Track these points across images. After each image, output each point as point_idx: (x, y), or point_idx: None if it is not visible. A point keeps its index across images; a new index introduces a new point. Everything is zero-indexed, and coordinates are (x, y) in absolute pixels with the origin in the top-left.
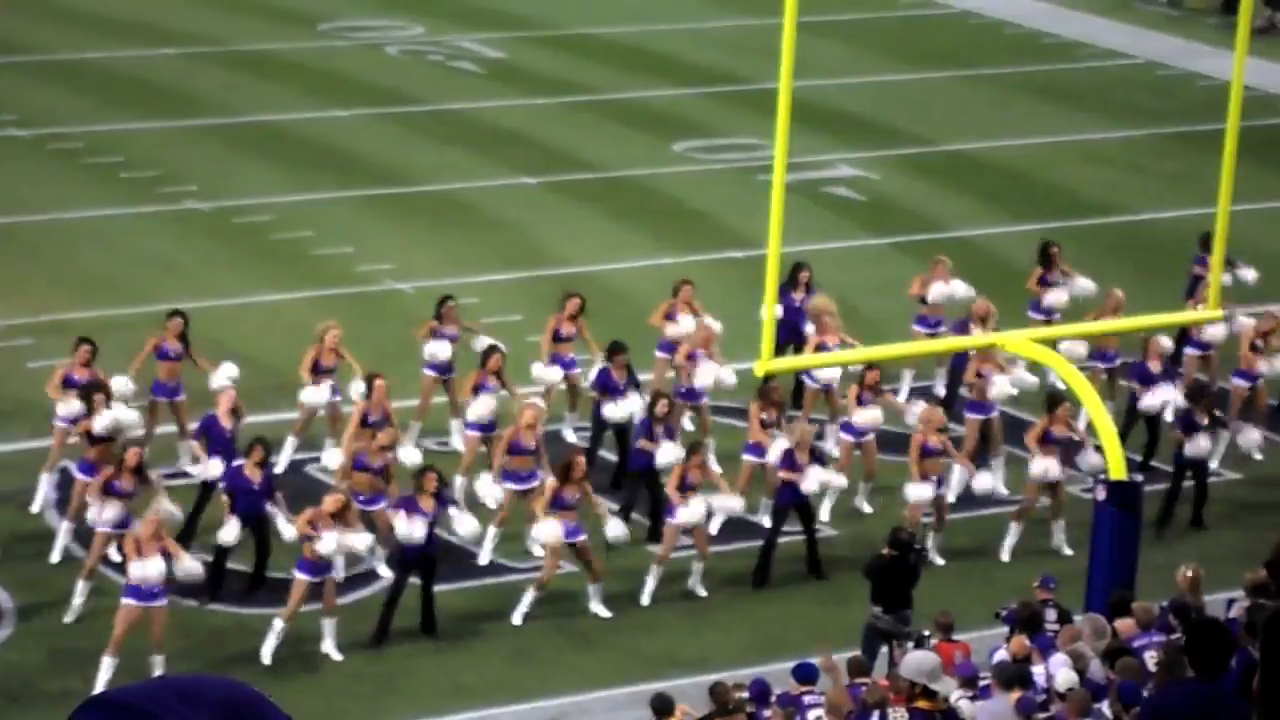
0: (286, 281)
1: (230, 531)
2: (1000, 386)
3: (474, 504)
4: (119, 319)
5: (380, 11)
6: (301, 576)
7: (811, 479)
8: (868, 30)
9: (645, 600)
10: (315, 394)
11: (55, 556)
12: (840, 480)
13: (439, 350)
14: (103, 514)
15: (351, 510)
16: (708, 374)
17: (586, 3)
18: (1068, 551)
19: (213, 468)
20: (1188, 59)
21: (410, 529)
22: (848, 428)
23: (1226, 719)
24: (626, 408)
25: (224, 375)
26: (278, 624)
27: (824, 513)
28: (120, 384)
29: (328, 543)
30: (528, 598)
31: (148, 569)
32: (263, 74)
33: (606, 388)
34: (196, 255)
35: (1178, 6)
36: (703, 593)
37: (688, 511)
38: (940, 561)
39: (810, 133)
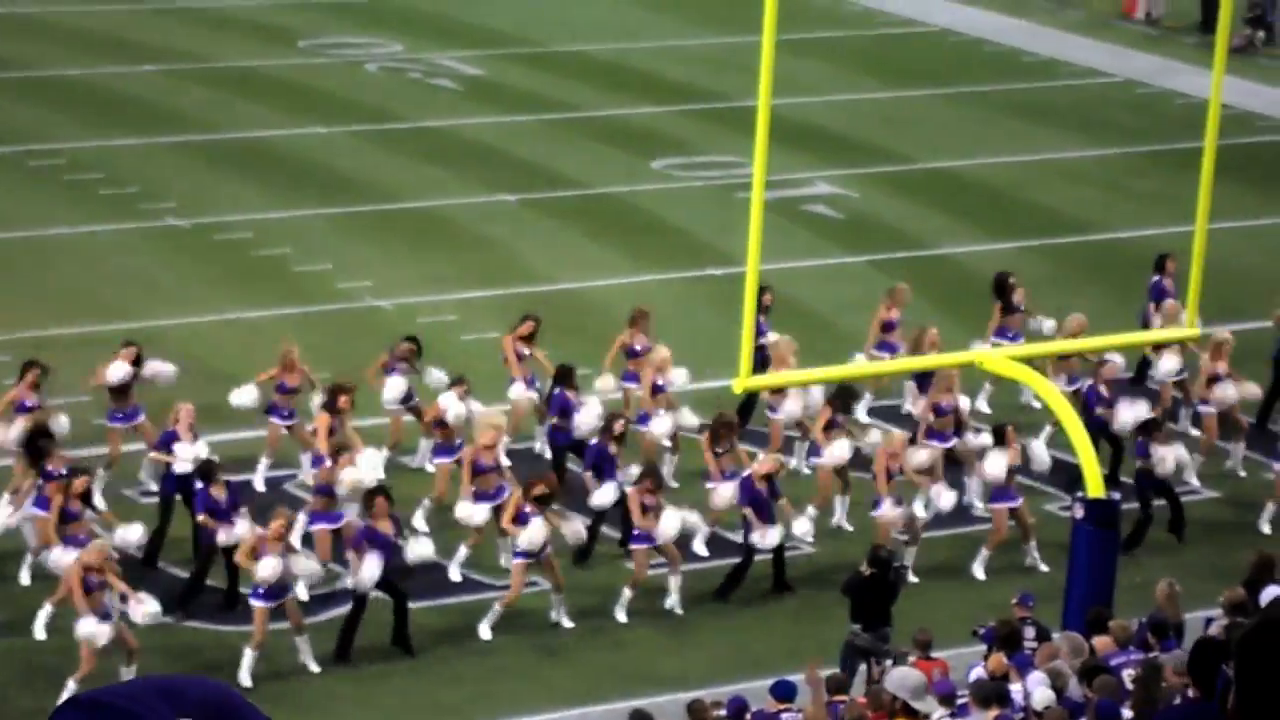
0: (266, 299)
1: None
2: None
3: (451, 525)
4: (99, 335)
5: (360, 29)
6: (257, 603)
7: (771, 536)
8: (846, 48)
9: (621, 617)
10: (247, 397)
11: (25, 578)
12: (800, 525)
13: (394, 386)
14: (61, 559)
15: (290, 534)
16: (664, 424)
17: (566, 20)
18: (1044, 568)
19: (183, 454)
20: (1166, 77)
21: (368, 571)
22: (817, 452)
23: None
24: (587, 419)
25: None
26: (248, 652)
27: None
28: (62, 424)
29: (265, 567)
30: (494, 611)
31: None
32: (243, 91)
33: (565, 410)
34: (176, 272)
35: (1156, 25)
36: (680, 611)
37: (660, 530)
38: (914, 579)
39: (789, 150)
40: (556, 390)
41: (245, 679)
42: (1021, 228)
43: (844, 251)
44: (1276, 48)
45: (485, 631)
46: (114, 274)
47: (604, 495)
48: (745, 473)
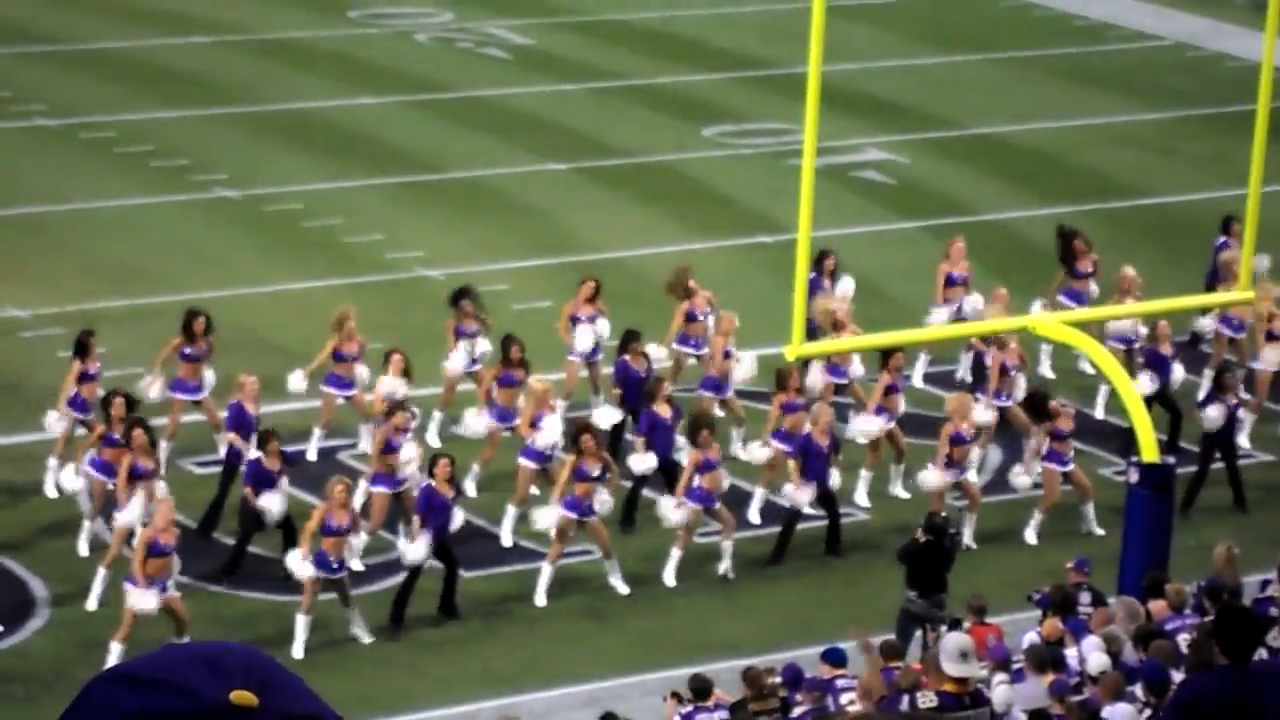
0: (317, 269)
1: (274, 504)
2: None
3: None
4: (149, 308)
5: None
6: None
7: (803, 495)
8: (896, 13)
9: (670, 580)
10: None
11: (84, 549)
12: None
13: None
14: (126, 513)
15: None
16: (748, 367)
17: None
18: (1099, 531)
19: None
20: (1217, 40)
21: (414, 553)
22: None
23: (1257, 703)
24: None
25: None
26: (300, 619)
27: (861, 497)
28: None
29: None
30: (545, 575)
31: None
32: (293, 61)
33: (627, 380)
34: (226, 243)
35: None
36: (732, 576)
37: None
38: (973, 545)
39: (839, 116)
40: (620, 360)
41: (298, 651)
42: (1073, 192)
43: (896, 217)
44: None
45: (541, 598)
46: (165, 246)
47: (644, 462)
48: (805, 429)
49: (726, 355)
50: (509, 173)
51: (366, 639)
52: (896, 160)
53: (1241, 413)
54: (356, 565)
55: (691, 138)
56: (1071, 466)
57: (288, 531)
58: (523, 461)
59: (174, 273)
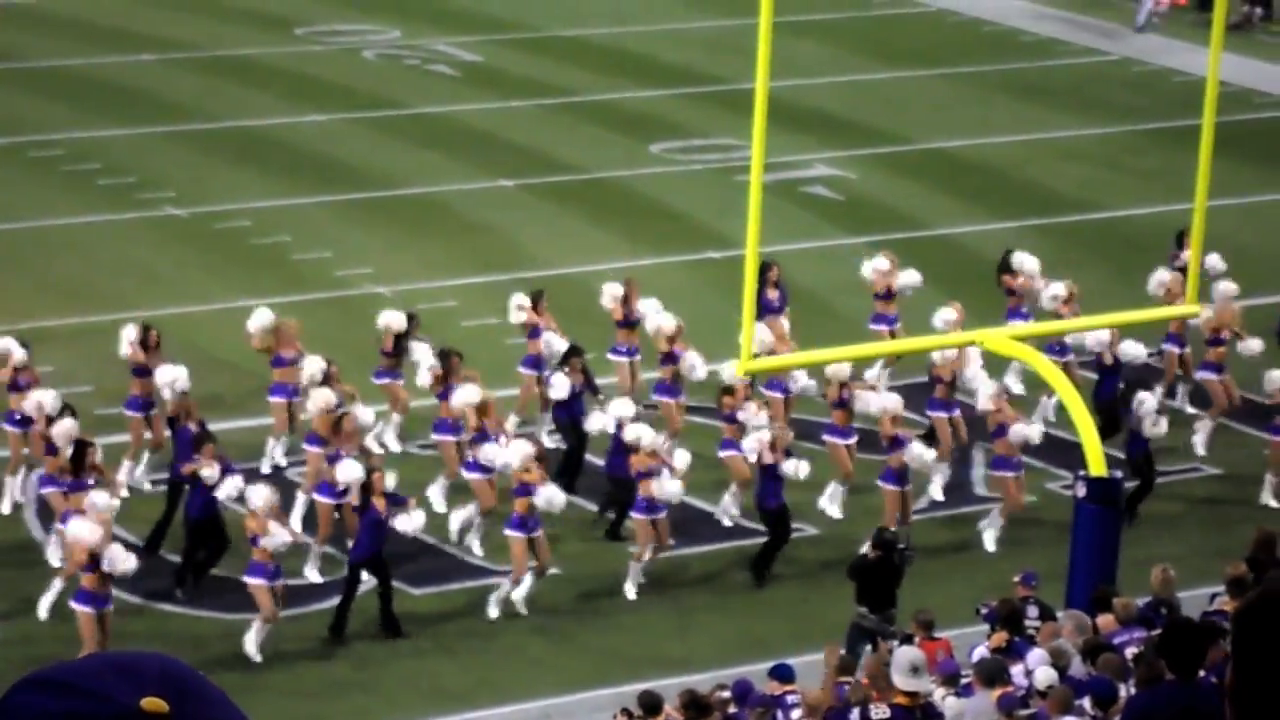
0: (266, 286)
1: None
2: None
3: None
4: (98, 326)
5: (357, 16)
6: (259, 580)
7: (790, 466)
8: (844, 29)
9: (631, 594)
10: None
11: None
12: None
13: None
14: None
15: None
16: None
17: (562, 5)
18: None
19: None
20: (1164, 55)
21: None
22: (832, 430)
23: (1205, 715)
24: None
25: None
26: (257, 625)
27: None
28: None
29: (272, 541)
30: (502, 591)
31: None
32: (240, 79)
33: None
34: (175, 261)
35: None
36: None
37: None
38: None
39: (787, 132)
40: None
41: (254, 654)
42: (1021, 207)
43: (843, 233)
44: (1274, 24)
45: (494, 610)
46: (113, 264)
47: (670, 487)
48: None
49: (673, 359)
50: (457, 189)
51: (256, 657)
52: (844, 176)
53: (1199, 424)
54: (314, 577)
55: (640, 154)
56: (1021, 474)
57: (218, 545)
58: (474, 476)
59: (122, 290)
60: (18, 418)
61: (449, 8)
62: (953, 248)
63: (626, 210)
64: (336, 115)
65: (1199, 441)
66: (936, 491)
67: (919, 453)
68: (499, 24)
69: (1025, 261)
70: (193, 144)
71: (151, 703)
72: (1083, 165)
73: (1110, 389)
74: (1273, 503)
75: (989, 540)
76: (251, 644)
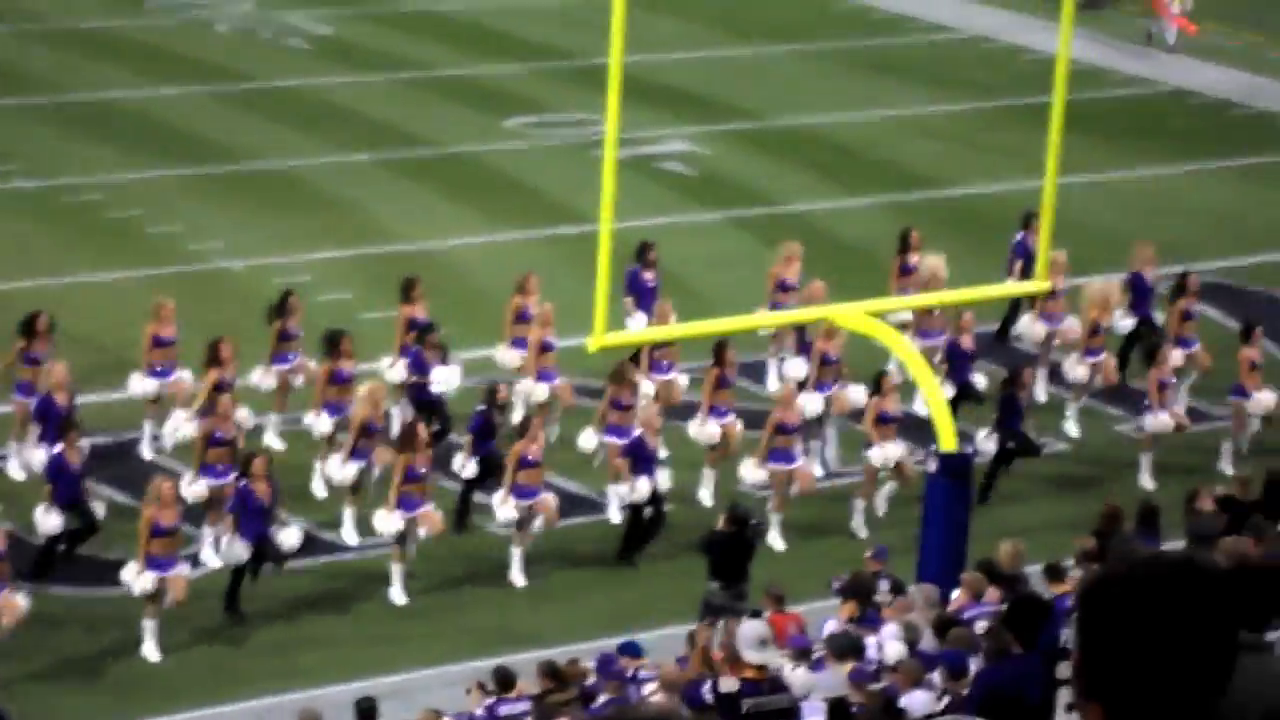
0: (119, 261)
1: (53, 521)
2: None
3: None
4: None
5: None
6: (151, 571)
7: (641, 488)
8: (698, 5)
9: (520, 581)
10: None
11: None
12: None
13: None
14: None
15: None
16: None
17: None
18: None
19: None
20: (1014, 33)
21: (235, 552)
22: (715, 411)
23: (1048, 688)
24: (448, 379)
25: None
26: (145, 620)
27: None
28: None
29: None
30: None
31: None
32: (91, 52)
33: (421, 369)
34: (25, 236)
35: None
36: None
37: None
38: (777, 539)
39: (642, 107)
40: (414, 350)
41: (153, 654)
42: (875, 184)
43: (699, 208)
44: (1123, 2)
45: (399, 597)
46: None
47: (470, 469)
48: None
49: (548, 348)
50: (311, 164)
51: (155, 657)
52: (699, 151)
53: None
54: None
55: (494, 129)
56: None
57: (85, 529)
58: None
59: None
60: None
61: None
62: (806, 224)
63: (481, 185)
64: (189, 88)
65: (1069, 421)
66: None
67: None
68: None
69: (928, 258)
70: (42, 117)
71: None
72: (935, 142)
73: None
74: (1229, 469)
75: (859, 528)
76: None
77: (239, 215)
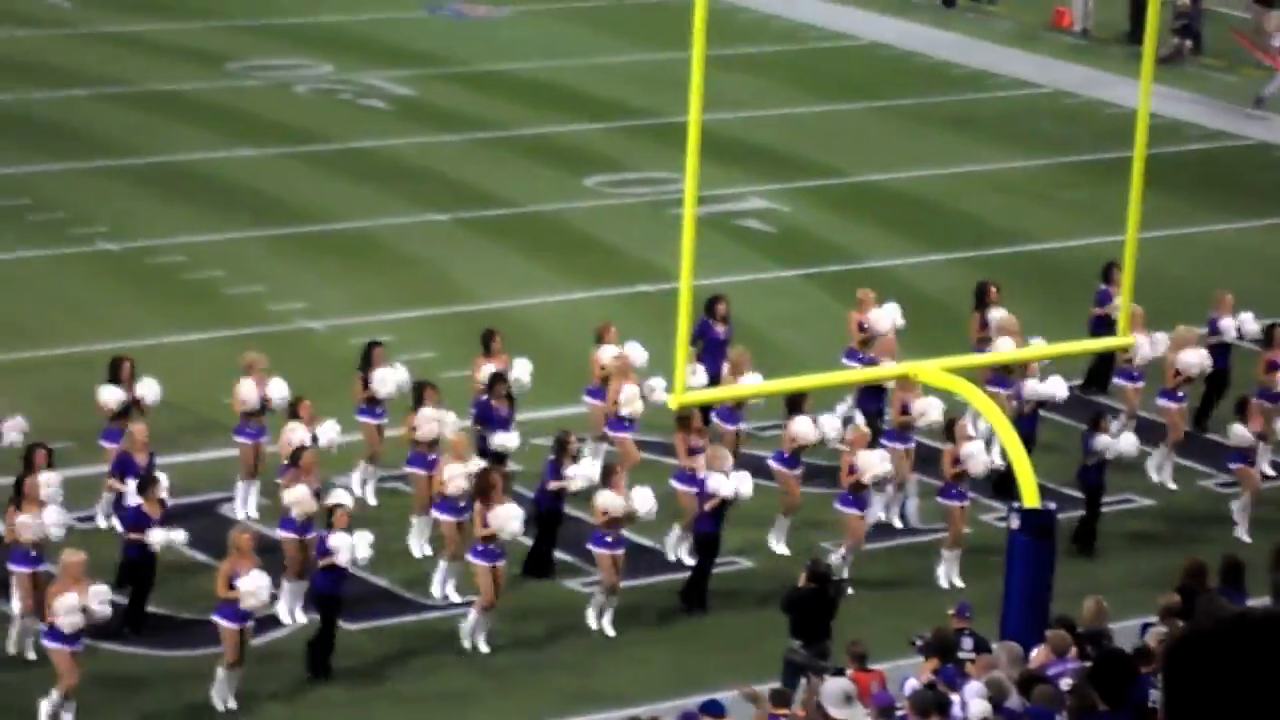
0: (199, 322)
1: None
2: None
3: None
4: (32, 362)
5: (288, 51)
6: (227, 623)
7: (729, 482)
8: (776, 63)
9: (610, 631)
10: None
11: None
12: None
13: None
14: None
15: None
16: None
17: (493, 39)
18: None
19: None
20: (1094, 88)
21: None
22: (779, 458)
23: None
24: (511, 439)
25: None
26: (220, 672)
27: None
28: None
29: (248, 582)
30: (474, 620)
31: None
32: (172, 114)
33: (489, 420)
34: (107, 296)
35: (1085, 36)
36: (611, 631)
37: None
38: (851, 591)
39: (720, 165)
40: (482, 399)
41: (220, 704)
42: (953, 239)
43: (777, 266)
44: (1203, 56)
45: (484, 645)
46: (45, 299)
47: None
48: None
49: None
50: (391, 223)
51: (220, 706)
52: (777, 209)
53: (1159, 451)
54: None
55: (573, 187)
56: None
57: (144, 584)
58: (443, 516)
59: (54, 326)
60: None
61: (380, 43)
62: (885, 279)
63: (560, 244)
64: (268, 150)
65: (1153, 469)
66: (882, 513)
67: (874, 460)
68: (430, 58)
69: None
70: (124, 179)
71: None
72: (1013, 197)
73: (1030, 422)
74: (1245, 537)
75: (945, 578)
76: (218, 696)
77: (320, 276)
